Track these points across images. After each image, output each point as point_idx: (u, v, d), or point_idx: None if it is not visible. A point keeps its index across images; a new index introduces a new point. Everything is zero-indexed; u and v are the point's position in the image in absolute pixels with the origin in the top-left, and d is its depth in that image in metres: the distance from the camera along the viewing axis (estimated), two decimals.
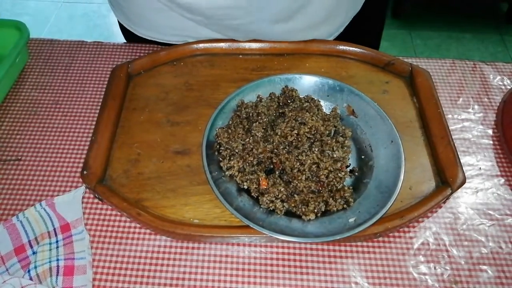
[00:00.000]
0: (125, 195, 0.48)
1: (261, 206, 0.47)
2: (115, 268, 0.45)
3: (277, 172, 0.49)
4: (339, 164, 0.48)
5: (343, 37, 0.66)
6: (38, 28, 1.91)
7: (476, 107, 0.60)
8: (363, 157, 0.52)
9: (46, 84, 0.62)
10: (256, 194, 0.48)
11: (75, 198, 0.49)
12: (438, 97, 0.56)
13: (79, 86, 0.62)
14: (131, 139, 0.54)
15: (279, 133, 0.50)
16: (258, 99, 0.55)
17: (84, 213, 0.49)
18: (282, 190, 0.47)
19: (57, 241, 0.46)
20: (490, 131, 0.57)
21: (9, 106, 0.59)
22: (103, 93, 0.58)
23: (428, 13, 1.96)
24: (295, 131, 0.49)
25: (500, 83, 0.62)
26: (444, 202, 0.50)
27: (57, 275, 0.43)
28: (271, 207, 0.47)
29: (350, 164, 0.51)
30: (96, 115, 0.55)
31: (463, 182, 0.49)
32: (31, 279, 0.43)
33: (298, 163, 0.48)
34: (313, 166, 0.48)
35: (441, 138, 0.52)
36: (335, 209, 0.47)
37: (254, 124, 0.52)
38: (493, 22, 1.93)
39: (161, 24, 0.63)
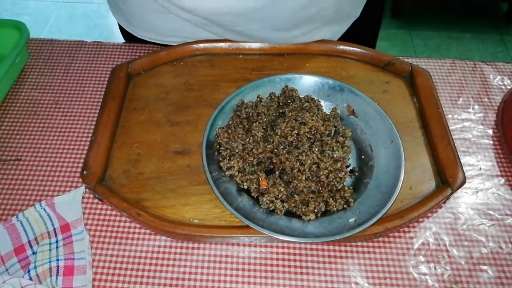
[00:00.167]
0: (125, 195, 0.48)
1: (261, 206, 0.47)
2: (115, 268, 0.45)
3: (277, 172, 0.49)
4: (339, 164, 0.48)
5: (341, 38, 0.66)
6: (38, 28, 1.91)
7: (476, 107, 0.60)
8: (363, 157, 0.52)
9: (46, 84, 0.62)
10: (256, 194, 0.48)
11: (75, 198, 0.49)
12: (438, 97, 0.56)
13: (79, 86, 0.62)
14: (131, 139, 0.54)
15: (279, 133, 0.50)
16: (258, 99, 0.55)
17: (84, 213, 0.49)
18: (282, 190, 0.47)
19: (57, 241, 0.46)
20: (490, 131, 0.57)
21: (9, 106, 0.59)
22: (103, 93, 0.58)
23: (428, 13, 1.96)
24: (295, 131, 0.49)
25: (500, 83, 0.62)
26: (444, 202, 0.50)
27: (57, 275, 0.43)
28: (271, 207, 0.47)
29: (350, 164, 0.51)
30: (96, 115, 0.55)
31: (463, 182, 0.49)
32: (31, 279, 0.43)
33: (298, 163, 0.48)
34: (313, 166, 0.48)
35: (441, 138, 0.52)
36: (335, 209, 0.47)
37: (254, 124, 0.52)
38: (493, 22, 1.93)
39: (159, 26, 0.63)
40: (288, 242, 0.46)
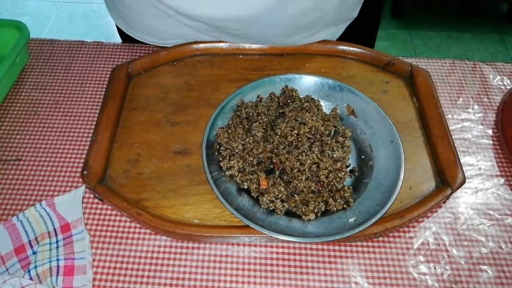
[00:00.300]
0: (125, 195, 0.48)
1: (261, 206, 0.47)
2: (115, 268, 0.45)
3: (277, 172, 0.49)
4: (339, 164, 0.48)
5: (339, 38, 0.66)
6: (38, 28, 1.91)
7: (476, 107, 0.60)
8: (363, 157, 0.52)
9: (46, 84, 0.62)
10: (256, 194, 0.48)
11: (75, 198, 0.49)
12: (438, 97, 0.57)
13: (79, 86, 0.62)
14: (131, 139, 0.54)
15: (279, 133, 0.50)
16: (258, 99, 0.55)
17: (84, 213, 0.49)
18: (282, 190, 0.47)
19: (57, 241, 0.46)
20: (490, 131, 0.57)
21: (9, 106, 0.59)
22: (103, 93, 0.58)
23: (428, 13, 1.96)
24: (295, 131, 0.49)
25: (500, 83, 0.63)
26: (444, 202, 0.50)
27: (57, 275, 0.43)
28: (271, 207, 0.47)
29: (350, 164, 0.51)
30: (96, 115, 0.55)
31: (463, 182, 0.49)
32: (31, 279, 0.43)
33: (298, 163, 0.48)
34: (313, 166, 0.48)
35: (441, 138, 0.52)
36: (335, 209, 0.47)
37: (254, 124, 0.52)
38: (493, 22, 1.93)
39: (159, 30, 0.63)
40: (288, 242, 0.47)
